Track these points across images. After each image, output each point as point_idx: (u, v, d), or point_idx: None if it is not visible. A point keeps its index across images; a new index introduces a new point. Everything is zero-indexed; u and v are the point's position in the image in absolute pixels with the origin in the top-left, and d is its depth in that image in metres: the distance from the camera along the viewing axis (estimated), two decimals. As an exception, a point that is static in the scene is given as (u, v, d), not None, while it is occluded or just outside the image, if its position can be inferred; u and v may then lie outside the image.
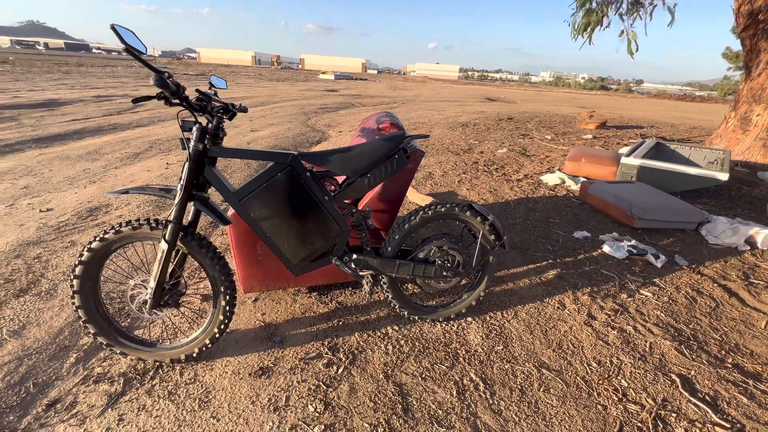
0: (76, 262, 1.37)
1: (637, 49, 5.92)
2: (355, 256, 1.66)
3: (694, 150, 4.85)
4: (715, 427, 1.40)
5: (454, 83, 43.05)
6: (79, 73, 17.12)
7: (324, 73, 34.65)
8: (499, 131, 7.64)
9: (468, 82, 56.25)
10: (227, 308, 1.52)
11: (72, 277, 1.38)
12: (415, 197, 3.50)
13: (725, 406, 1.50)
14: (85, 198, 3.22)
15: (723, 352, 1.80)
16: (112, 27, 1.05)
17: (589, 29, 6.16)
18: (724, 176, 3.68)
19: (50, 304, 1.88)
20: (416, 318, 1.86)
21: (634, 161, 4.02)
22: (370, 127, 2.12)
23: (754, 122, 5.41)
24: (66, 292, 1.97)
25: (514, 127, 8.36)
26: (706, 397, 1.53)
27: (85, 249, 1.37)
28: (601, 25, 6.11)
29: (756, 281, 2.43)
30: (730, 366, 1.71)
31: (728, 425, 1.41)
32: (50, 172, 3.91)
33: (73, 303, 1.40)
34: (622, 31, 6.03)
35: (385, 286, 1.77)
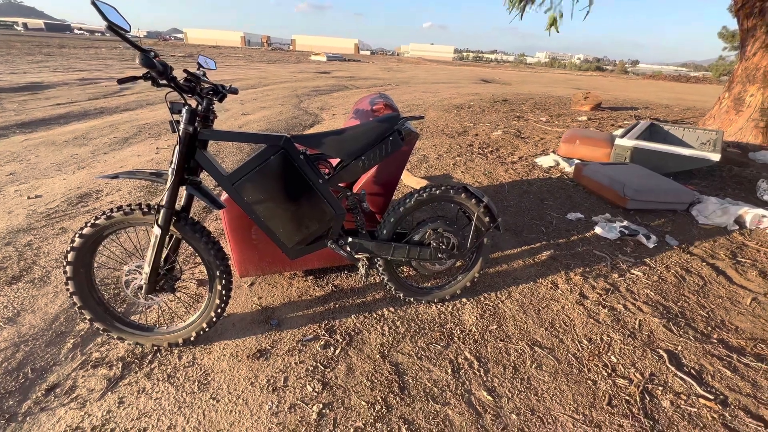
0: (68, 249, 1.36)
1: (554, 28, 5.95)
2: (350, 239, 1.66)
3: (688, 131, 4.86)
4: (700, 399, 1.46)
5: (448, 64, 42.35)
6: (62, 54, 16.53)
7: (316, 54, 33.84)
8: (494, 113, 7.58)
9: (463, 63, 55.38)
10: (223, 292, 1.52)
11: (65, 263, 1.36)
12: (410, 180, 3.49)
13: (710, 379, 1.55)
14: (75, 184, 3.16)
15: (709, 328, 1.86)
16: (93, 2, 1.01)
17: (521, 4, 6.19)
18: (715, 157, 3.70)
19: (44, 290, 1.87)
20: (412, 299, 1.89)
21: (628, 143, 4.03)
22: (364, 108, 2.09)
23: (747, 103, 5.42)
24: (60, 279, 1.96)
25: (509, 109, 8.29)
26: (692, 371, 1.59)
27: (77, 235, 1.35)
28: (532, 2, 6.13)
29: (743, 260, 2.49)
30: (715, 341, 1.77)
31: (712, 397, 1.47)
32: (36, 158, 3.82)
33: (68, 289, 1.39)
34: (549, 8, 6.08)
35: (380, 269, 1.79)
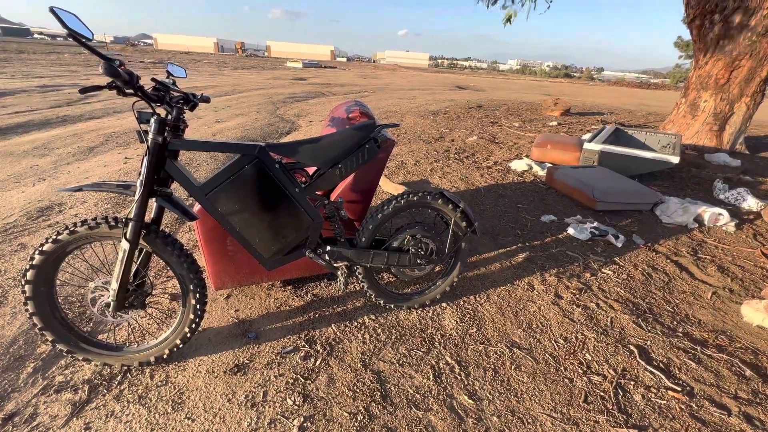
0: (27, 267, 1.28)
1: (509, 23, 6.62)
2: (329, 247, 1.65)
3: (650, 135, 5.14)
4: (668, 392, 1.52)
5: (424, 71, 43.05)
6: (20, 60, 15.68)
7: (292, 61, 33.66)
8: (469, 119, 7.75)
9: (438, 70, 56.42)
10: (198, 307, 1.47)
11: (23, 282, 1.28)
12: (388, 186, 3.51)
13: (677, 372, 1.63)
14: (35, 197, 2.99)
15: (675, 322, 1.95)
16: (51, 10, 0.96)
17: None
18: (675, 159, 3.93)
19: (0, 312, 1.75)
20: (392, 306, 1.89)
21: (596, 147, 4.21)
22: (340, 116, 2.09)
23: (701, 108, 5.79)
24: (18, 299, 1.84)
25: (483, 114, 8.50)
26: (660, 365, 1.66)
27: (37, 252, 1.28)
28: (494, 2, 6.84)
29: (703, 256, 2.64)
30: (681, 335, 1.86)
31: (679, 388, 1.54)
32: (-8, 169, 3.59)
33: (27, 310, 1.31)
34: (504, 5, 6.82)
35: (360, 277, 1.78)
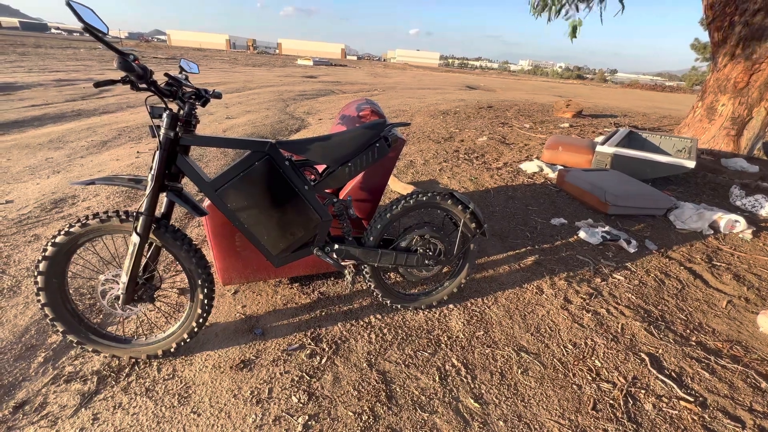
0: (40, 258, 1.30)
1: (575, 35, 6.21)
2: (336, 246, 1.64)
3: (664, 138, 5.03)
4: (680, 401, 1.49)
5: (434, 71, 42.85)
6: (37, 54, 15.99)
7: (303, 58, 33.81)
8: (479, 119, 7.69)
9: (448, 69, 56.09)
10: (205, 301, 1.48)
11: (36, 273, 1.30)
12: (397, 186, 3.49)
13: (689, 382, 1.59)
14: (49, 189, 3.04)
15: (688, 330, 1.91)
16: (68, 3, 0.97)
17: (546, 9, 6.52)
18: (691, 164, 3.84)
19: (14, 302, 1.78)
20: (399, 306, 1.87)
21: (608, 149, 4.14)
22: (351, 114, 2.08)
23: (719, 112, 5.65)
24: (30, 289, 1.87)
25: (493, 115, 8.43)
26: (672, 374, 1.62)
27: (50, 243, 1.30)
28: (558, 14, 6.47)
29: (718, 263, 2.58)
30: (694, 344, 1.81)
31: (692, 399, 1.50)
32: (8, 161, 3.66)
33: (39, 300, 1.33)
34: (569, 17, 6.46)
35: (367, 276, 1.77)
